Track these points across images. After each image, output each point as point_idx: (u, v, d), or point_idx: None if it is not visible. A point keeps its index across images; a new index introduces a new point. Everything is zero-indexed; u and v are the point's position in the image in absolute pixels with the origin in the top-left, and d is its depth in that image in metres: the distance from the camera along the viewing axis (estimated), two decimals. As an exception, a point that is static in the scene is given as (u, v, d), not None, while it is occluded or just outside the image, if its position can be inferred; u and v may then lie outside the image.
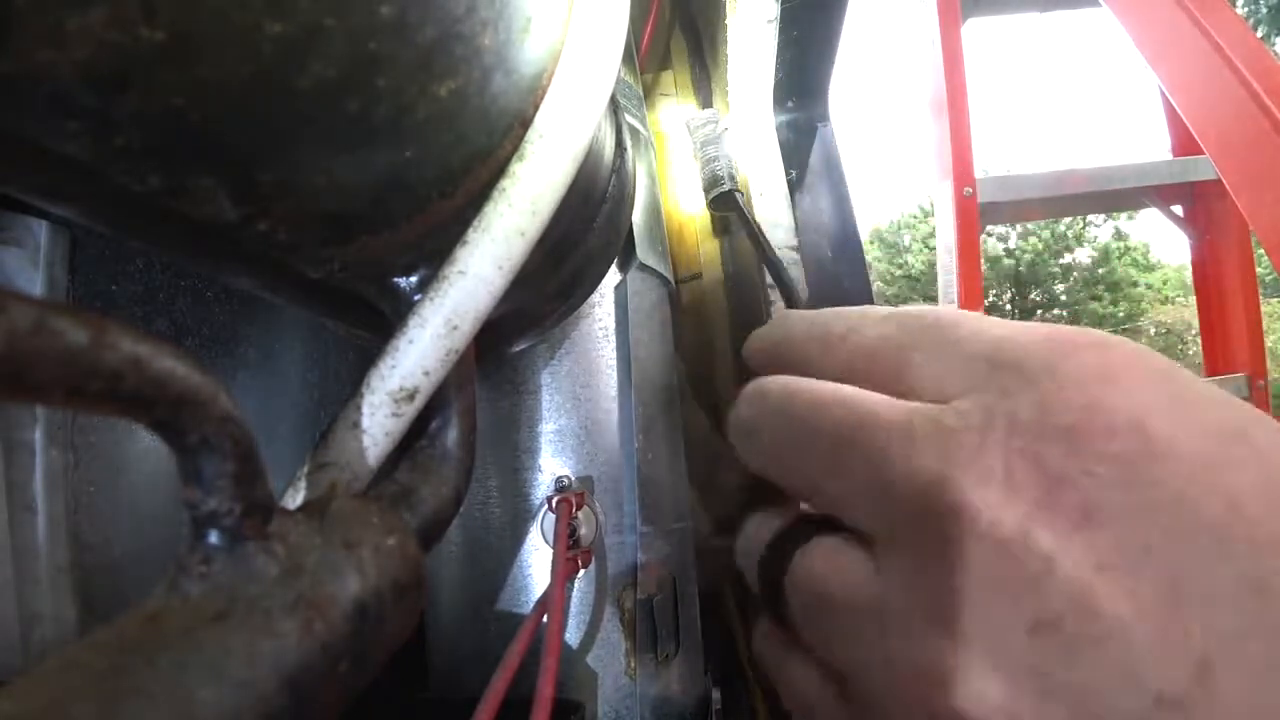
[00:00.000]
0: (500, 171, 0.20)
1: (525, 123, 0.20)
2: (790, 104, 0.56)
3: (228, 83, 0.13)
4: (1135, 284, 17.18)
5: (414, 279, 0.20)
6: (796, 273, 0.52)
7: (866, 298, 0.53)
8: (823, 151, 0.55)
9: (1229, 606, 0.10)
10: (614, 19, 0.21)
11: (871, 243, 19.13)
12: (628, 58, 0.47)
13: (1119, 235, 17.70)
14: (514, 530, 0.38)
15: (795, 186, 0.54)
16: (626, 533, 0.39)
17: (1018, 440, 0.12)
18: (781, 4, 0.48)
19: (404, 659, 0.37)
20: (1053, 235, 17.54)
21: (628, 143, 0.34)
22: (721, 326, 0.73)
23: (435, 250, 0.19)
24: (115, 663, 0.10)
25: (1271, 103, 0.77)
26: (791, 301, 0.41)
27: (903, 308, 0.18)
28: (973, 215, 1.19)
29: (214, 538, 0.12)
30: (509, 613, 0.37)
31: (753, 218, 0.41)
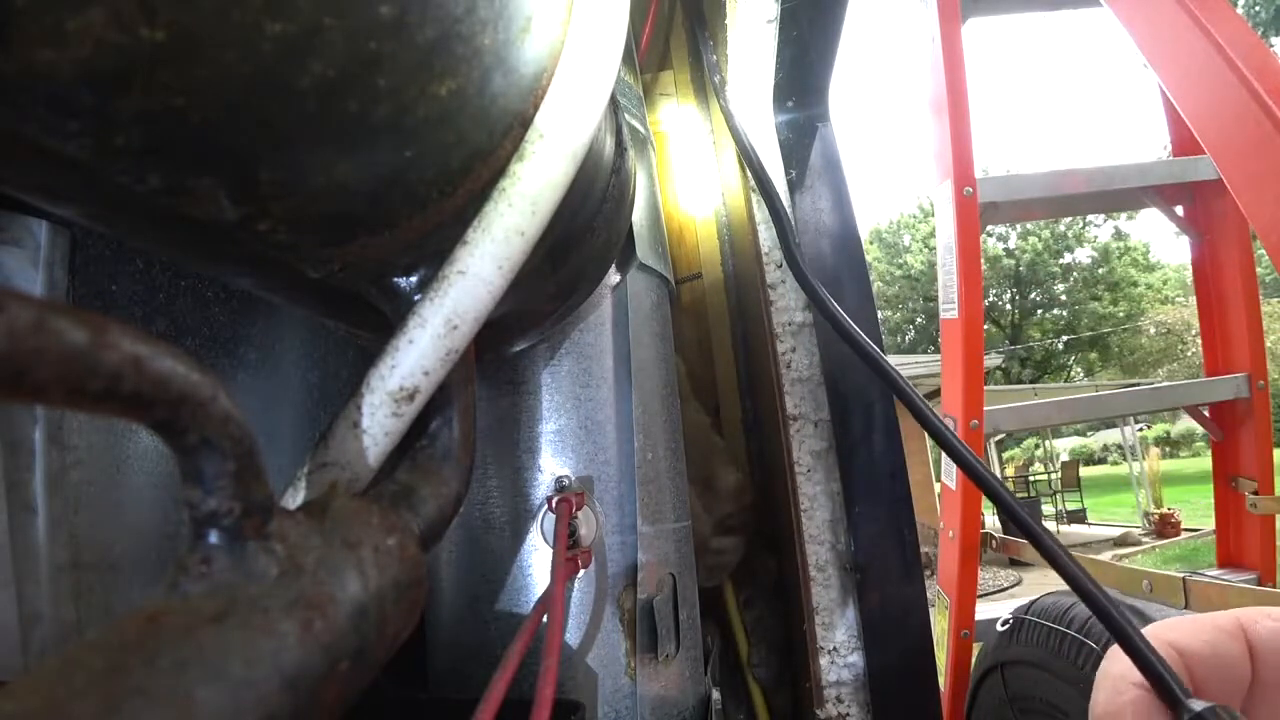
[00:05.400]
0: (500, 171, 0.20)
1: (525, 122, 0.20)
2: (790, 104, 0.56)
3: (228, 82, 0.13)
4: (1135, 284, 17.19)
5: (414, 279, 0.20)
6: (796, 272, 0.52)
7: (866, 297, 0.53)
8: (823, 151, 0.55)
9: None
10: (614, 19, 0.21)
11: (871, 243, 19.14)
12: (628, 58, 0.47)
13: (1119, 235, 17.71)
14: (514, 530, 0.38)
15: (795, 186, 0.54)
16: (626, 533, 0.39)
17: None
18: (781, 4, 0.48)
19: (404, 659, 0.37)
20: (1053, 235, 17.55)
21: (628, 143, 0.34)
22: (721, 326, 0.73)
23: (435, 250, 0.19)
24: (115, 663, 0.10)
25: (1272, 102, 0.77)
26: (788, 242, 0.46)
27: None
28: (973, 215, 1.19)
29: (214, 538, 0.12)
30: (509, 613, 0.37)
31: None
